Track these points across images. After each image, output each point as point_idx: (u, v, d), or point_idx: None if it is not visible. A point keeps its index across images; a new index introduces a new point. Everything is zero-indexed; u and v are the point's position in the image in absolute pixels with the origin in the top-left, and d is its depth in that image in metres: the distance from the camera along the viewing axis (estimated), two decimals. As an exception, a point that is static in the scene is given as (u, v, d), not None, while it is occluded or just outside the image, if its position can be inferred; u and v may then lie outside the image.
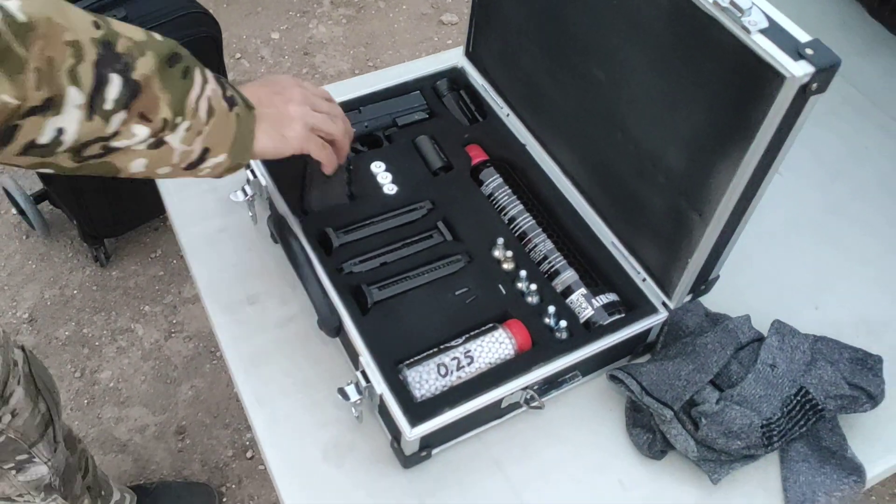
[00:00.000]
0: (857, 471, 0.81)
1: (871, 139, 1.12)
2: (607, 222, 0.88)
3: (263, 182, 0.91)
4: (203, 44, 1.60)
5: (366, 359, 0.77)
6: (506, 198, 0.92)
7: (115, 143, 0.59)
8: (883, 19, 1.24)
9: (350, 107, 0.98)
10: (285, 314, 0.90)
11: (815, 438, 0.82)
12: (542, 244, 0.88)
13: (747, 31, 0.63)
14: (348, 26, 2.43)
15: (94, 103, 0.56)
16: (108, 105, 0.57)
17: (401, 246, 0.88)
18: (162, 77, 0.60)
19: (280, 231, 0.86)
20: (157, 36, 0.62)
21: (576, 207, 0.91)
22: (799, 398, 0.81)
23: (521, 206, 0.91)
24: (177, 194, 1.00)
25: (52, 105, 0.54)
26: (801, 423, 0.80)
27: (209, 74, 0.66)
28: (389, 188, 0.92)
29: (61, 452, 1.12)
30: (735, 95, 0.67)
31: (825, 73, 0.62)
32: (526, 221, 0.90)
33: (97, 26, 0.56)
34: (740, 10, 0.64)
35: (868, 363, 0.84)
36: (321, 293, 0.81)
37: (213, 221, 0.98)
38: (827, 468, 0.81)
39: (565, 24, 0.84)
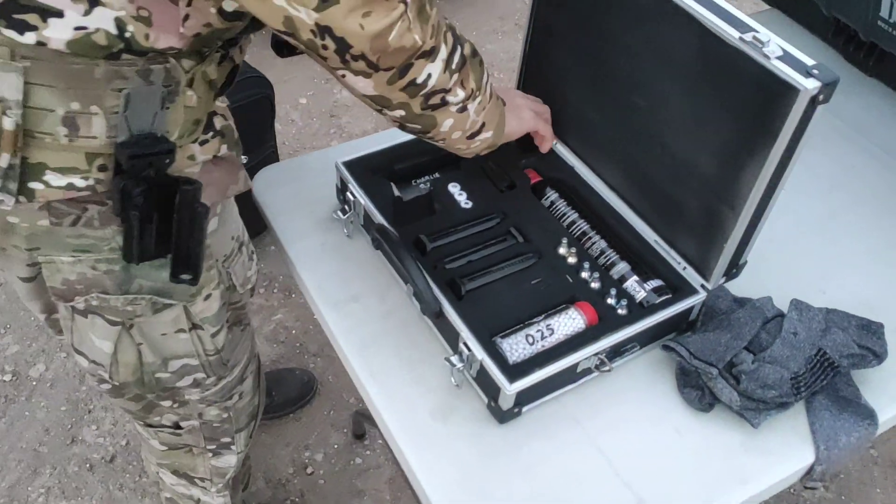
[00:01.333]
0: (870, 416, 0.98)
1: (858, 159, 1.33)
2: (650, 224, 1.07)
3: (363, 202, 1.09)
4: (261, 103, 1.80)
5: (465, 334, 0.94)
6: (563, 207, 1.11)
7: (447, 98, 0.87)
8: (858, 63, 1.46)
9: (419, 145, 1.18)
10: (385, 309, 1.07)
11: (834, 391, 1.00)
12: (598, 243, 1.07)
13: (767, 57, 0.84)
14: (369, 91, 2.65)
15: (448, 61, 0.84)
16: (453, 66, 0.85)
17: (483, 247, 1.06)
18: (472, 60, 0.90)
19: (384, 237, 1.04)
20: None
21: (622, 214, 1.10)
22: (818, 357, 0.99)
23: (576, 214, 1.10)
24: (282, 216, 1.18)
25: (432, 53, 0.81)
26: (822, 377, 0.98)
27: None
28: (466, 203, 1.12)
29: (245, 452, 1.27)
30: (758, 109, 0.87)
31: (829, 87, 0.82)
32: (583, 225, 1.09)
33: (447, 20, 0.86)
34: (761, 42, 0.84)
35: (872, 328, 1.02)
36: (425, 284, 0.98)
37: (315, 238, 1.16)
38: (845, 414, 0.98)
39: (608, 63, 1.05)
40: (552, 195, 1.13)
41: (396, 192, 1.10)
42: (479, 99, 0.92)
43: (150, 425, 1.20)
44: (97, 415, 1.83)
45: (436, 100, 0.87)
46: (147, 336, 0.98)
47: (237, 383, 1.17)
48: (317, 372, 1.89)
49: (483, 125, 0.96)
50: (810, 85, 0.81)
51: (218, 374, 1.09)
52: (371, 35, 0.74)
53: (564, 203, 1.12)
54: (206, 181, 0.90)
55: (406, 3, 0.74)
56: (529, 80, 1.22)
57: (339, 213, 1.13)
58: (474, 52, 0.92)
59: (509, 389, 0.90)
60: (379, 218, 1.06)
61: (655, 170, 1.04)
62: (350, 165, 1.13)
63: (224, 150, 0.92)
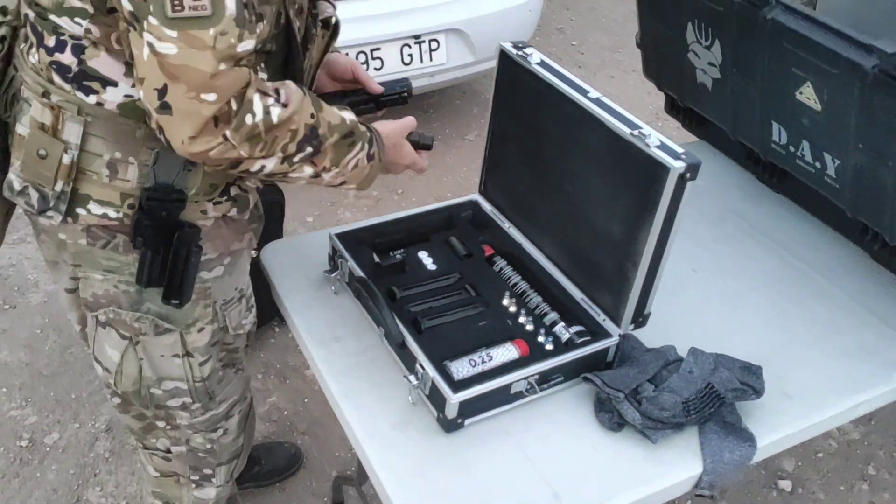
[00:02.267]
0: (750, 439, 1.20)
1: (760, 252, 1.61)
2: (576, 283, 1.33)
3: (348, 262, 1.36)
4: (273, 207, 2.11)
5: (421, 358, 1.18)
6: (509, 272, 1.38)
7: (290, 175, 1.05)
8: (766, 182, 1.77)
9: (395, 227, 1.47)
10: (360, 348, 1.31)
11: (721, 418, 1.22)
12: (535, 297, 1.33)
13: (649, 146, 1.13)
14: (369, 212, 2.98)
15: (288, 158, 1.02)
16: (295, 159, 1.03)
17: (441, 297, 1.32)
18: (335, 146, 1.06)
19: (363, 286, 1.30)
20: (347, 117, 1.09)
21: (555, 277, 1.36)
22: (707, 390, 1.22)
23: (519, 277, 1.37)
24: (282, 276, 1.44)
25: (263, 159, 1.00)
26: (710, 405, 1.21)
27: (367, 140, 1.12)
28: (431, 266, 1.38)
29: (227, 489, 1.47)
30: (645, 185, 1.15)
31: (693, 167, 1.11)
32: (524, 285, 1.35)
33: (312, 117, 1.03)
34: (645, 136, 1.14)
35: (753, 369, 1.26)
36: (392, 320, 1.23)
37: (307, 293, 1.41)
38: (730, 437, 1.20)
39: (546, 159, 1.35)
40: (501, 263, 1.40)
41: (376, 259, 1.38)
42: (334, 171, 1.08)
43: (147, 447, 1.42)
44: (102, 478, 2.00)
45: (278, 176, 1.05)
46: (148, 354, 1.22)
47: (223, 418, 1.39)
48: (303, 448, 2.08)
49: (344, 182, 1.13)
50: (679, 165, 1.10)
51: (202, 401, 1.31)
52: (189, 152, 0.95)
53: (511, 269, 1.39)
54: (214, 234, 1.18)
55: (226, 136, 0.93)
56: (489, 179, 1.52)
57: (329, 273, 1.40)
58: (346, 135, 1.07)
59: (453, 399, 1.13)
60: (360, 272, 1.33)
61: (581, 240, 1.31)
62: (340, 236, 1.41)
63: (234, 213, 1.19)
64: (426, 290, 1.34)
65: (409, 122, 1.26)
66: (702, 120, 1.86)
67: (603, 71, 3.67)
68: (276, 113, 0.97)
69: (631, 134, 1.15)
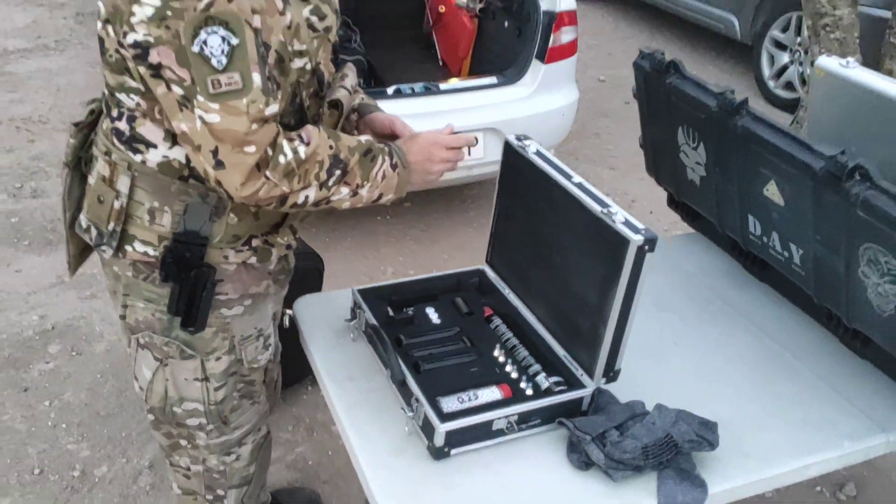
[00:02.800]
0: (702, 485, 1.36)
1: (738, 331, 1.78)
2: (559, 342, 1.53)
3: (365, 312, 1.59)
4: (311, 273, 2.37)
5: (417, 393, 1.39)
6: (503, 329, 1.59)
7: (332, 198, 1.31)
8: (750, 270, 1.96)
9: (410, 287, 1.70)
10: (369, 386, 1.52)
11: (677, 465, 1.38)
12: (522, 351, 1.53)
13: (615, 222, 1.35)
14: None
15: (323, 184, 1.28)
16: (330, 183, 1.29)
17: (441, 346, 1.53)
18: (360, 163, 1.31)
19: (376, 333, 1.52)
20: (363, 138, 1.35)
21: (542, 335, 1.56)
22: (666, 439, 1.39)
23: (511, 334, 1.57)
24: (310, 324, 1.68)
25: (303, 190, 1.26)
26: (668, 452, 1.37)
27: (387, 153, 1.36)
28: (436, 320, 1.60)
29: None
30: (612, 256, 1.36)
31: (651, 241, 1.31)
32: (514, 340, 1.56)
33: (331, 147, 1.29)
34: (613, 213, 1.36)
35: (709, 425, 1.42)
36: (396, 361, 1.45)
37: (330, 339, 1.64)
38: (685, 482, 1.36)
39: (541, 236, 1.58)
40: (497, 321, 1.61)
41: (390, 313, 1.60)
42: (368, 185, 1.33)
43: (172, 464, 1.64)
44: (141, 508, 2.22)
45: (322, 204, 1.31)
46: (173, 376, 1.47)
47: (236, 444, 1.61)
48: (324, 495, 2.26)
49: (381, 195, 1.36)
50: (638, 238, 1.31)
51: (216, 423, 1.54)
52: (243, 196, 1.22)
53: (505, 326, 1.59)
54: (235, 278, 1.43)
55: (267, 177, 1.21)
56: (495, 249, 1.74)
57: (349, 321, 1.63)
58: (366, 152, 1.32)
59: (441, 428, 1.33)
60: (373, 321, 1.56)
61: (564, 304, 1.52)
62: (362, 291, 1.64)
63: (254, 261, 1.43)
64: (428, 339, 1.55)
65: (437, 131, 1.49)
66: (696, 214, 2.07)
67: (632, 174, 3.91)
68: (302, 150, 1.25)
69: (601, 212, 1.37)
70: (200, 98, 1.16)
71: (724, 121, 1.68)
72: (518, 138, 1.61)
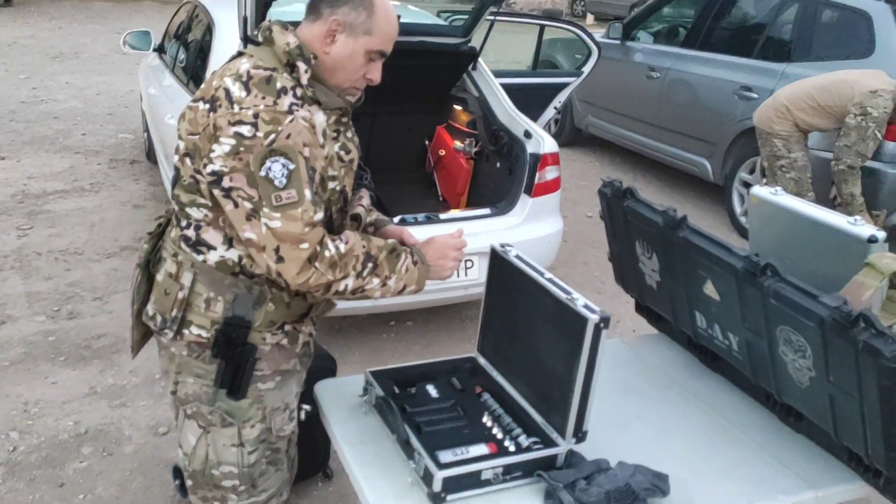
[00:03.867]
0: (656, 525, 1.64)
1: (691, 408, 2.08)
2: (536, 410, 1.84)
3: (375, 388, 1.91)
4: (325, 373, 2.68)
5: (418, 448, 1.69)
6: (491, 402, 1.90)
7: (366, 287, 1.66)
8: (705, 363, 2.28)
9: (413, 370, 2.02)
10: (377, 449, 1.82)
11: (635, 507, 1.66)
12: (507, 418, 1.84)
13: (577, 306, 1.70)
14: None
15: (359, 274, 1.64)
16: (364, 273, 1.65)
17: (438, 413, 1.84)
18: (387, 259, 1.68)
19: (385, 403, 1.83)
20: (389, 241, 1.72)
21: (522, 405, 1.87)
22: (626, 488, 1.67)
23: (497, 405, 1.89)
24: (328, 400, 1.99)
25: (343, 279, 1.62)
26: (627, 499, 1.66)
27: (409, 252, 1.73)
28: (435, 395, 1.92)
29: None
30: (574, 333, 1.70)
31: (606, 319, 1.66)
32: (500, 410, 1.87)
33: (364, 246, 1.66)
34: (574, 299, 1.71)
35: (661, 476, 1.71)
36: (401, 425, 1.75)
37: (345, 412, 1.95)
38: (640, 522, 1.64)
39: (521, 323, 1.92)
40: (486, 396, 1.93)
41: (396, 390, 1.93)
42: (394, 277, 1.69)
43: None
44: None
45: (358, 292, 1.65)
46: (214, 442, 1.78)
47: None
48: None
49: (405, 286, 1.72)
50: (595, 317, 1.66)
51: (246, 485, 1.82)
52: (298, 284, 1.58)
53: (493, 400, 1.91)
54: (269, 356, 1.76)
55: (316, 267, 1.56)
56: (485, 338, 2.08)
57: (361, 396, 1.95)
58: (391, 250, 1.68)
59: (438, 475, 1.63)
60: (382, 393, 1.88)
61: (539, 378, 1.84)
62: (373, 372, 1.97)
63: (285, 342, 1.78)
64: (428, 408, 1.86)
65: (448, 235, 1.85)
66: (658, 316, 2.42)
67: (618, 297, 4.26)
68: (342, 247, 1.62)
69: (566, 298, 1.73)
70: (266, 210, 1.54)
71: (669, 234, 2.07)
72: (502, 245, 1.99)
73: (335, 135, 1.74)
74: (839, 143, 4.39)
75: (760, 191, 2.27)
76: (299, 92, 1.62)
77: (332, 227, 1.75)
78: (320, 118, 1.68)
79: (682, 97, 6.10)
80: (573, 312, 1.70)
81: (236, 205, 1.57)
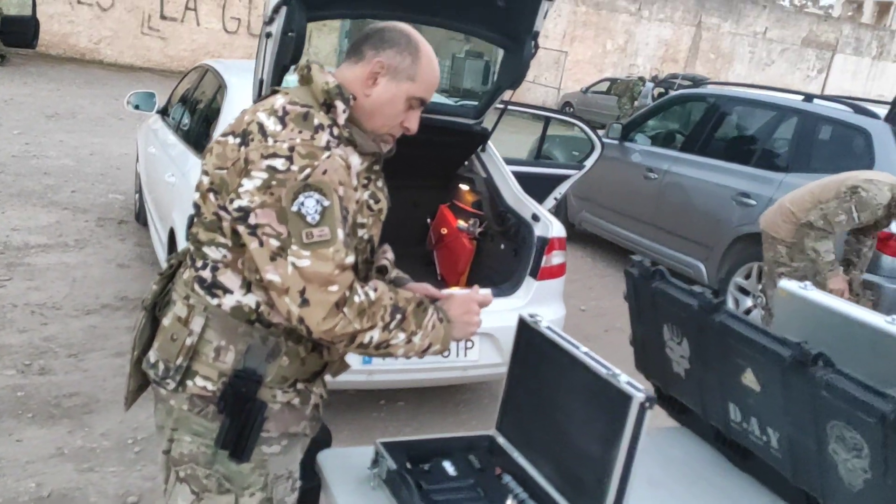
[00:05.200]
0: None
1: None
2: (563, 496, 1.68)
3: (388, 462, 1.74)
4: (321, 445, 2.49)
5: (438, 530, 1.53)
6: (514, 484, 1.74)
7: (391, 342, 1.52)
8: (732, 460, 2.14)
9: (426, 444, 1.87)
10: (389, 528, 1.65)
11: None
12: (530, 501, 1.68)
13: (619, 382, 1.57)
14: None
15: (386, 326, 1.50)
16: (391, 326, 1.51)
17: (458, 492, 1.68)
18: (414, 312, 1.54)
19: (400, 477, 1.67)
20: (417, 295, 1.59)
21: (548, 491, 1.72)
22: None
23: (521, 489, 1.73)
24: (332, 472, 1.82)
25: (370, 329, 1.49)
26: None
27: (435, 309, 1.60)
28: (452, 472, 1.76)
29: None
30: (615, 412, 1.57)
31: (651, 399, 1.53)
32: (523, 494, 1.71)
33: (391, 298, 1.53)
34: (616, 374, 1.59)
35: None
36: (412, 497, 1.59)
37: (351, 485, 1.78)
38: None
39: (550, 400, 1.79)
40: (508, 478, 1.77)
41: (408, 465, 1.77)
42: (420, 333, 1.54)
43: None
44: None
45: (382, 347, 1.51)
46: None
47: None
48: None
49: (430, 344, 1.57)
50: (640, 396, 1.53)
51: None
52: (322, 330, 1.44)
53: (514, 482, 1.75)
54: (278, 417, 1.61)
55: (344, 313, 1.43)
56: (506, 414, 1.94)
57: (371, 469, 1.78)
58: (419, 304, 1.56)
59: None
60: (394, 466, 1.71)
61: (569, 460, 1.70)
62: (385, 444, 1.81)
63: (297, 402, 1.63)
64: (446, 486, 1.70)
65: (466, 292, 1.72)
66: (682, 408, 2.29)
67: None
68: (371, 294, 1.50)
69: (606, 373, 1.60)
70: (294, 247, 1.42)
71: (703, 318, 1.96)
72: (531, 315, 1.87)
73: (366, 182, 1.65)
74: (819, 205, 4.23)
75: (789, 285, 2.19)
76: (335, 131, 1.54)
77: (358, 278, 1.64)
78: (356, 160, 1.59)
79: (679, 199, 6.14)
80: (615, 390, 1.58)
81: (261, 243, 1.45)
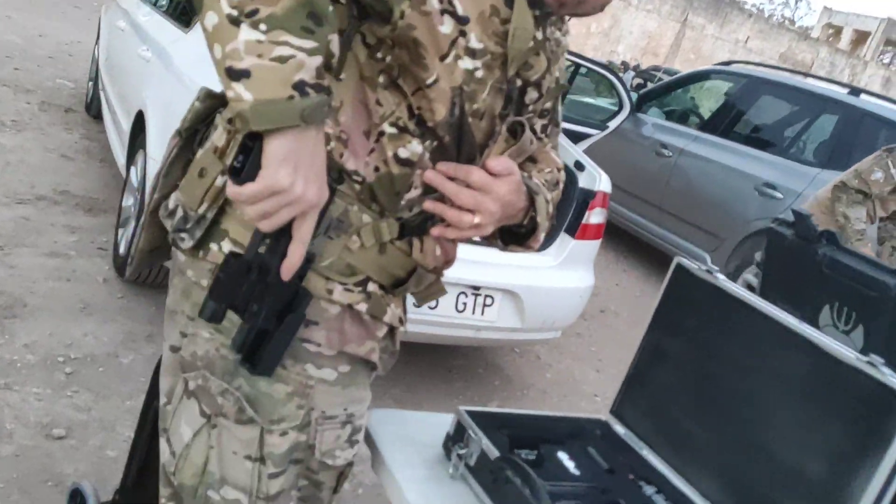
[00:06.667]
0: None
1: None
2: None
3: (482, 441, 1.16)
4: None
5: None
6: (658, 497, 1.18)
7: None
8: None
9: (527, 421, 1.29)
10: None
11: None
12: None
13: (884, 374, 1.02)
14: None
15: None
16: None
17: (589, 500, 1.11)
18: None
19: (511, 467, 1.09)
20: None
21: (716, 516, 1.16)
22: None
23: (673, 507, 1.17)
24: (391, 446, 1.23)
25: None
26: None
27: None
28: (574, 470, 1.19)
29: None
30: (871, 418, 1.02)
31: (933, 404, 0.99)
32: (683, 516, 1.15)
33: None
34: (873, 363, 1.03)
35: None
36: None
37: (420, 471, 1.19)
38: None
39: (717, 381, 1.23)
40: (651, 490, 1.21)
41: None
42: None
43: None
44: None
45: None
46: (221, 444, 1.02)
47: None
48: None
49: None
50: (920, 397, 0.99)
51: None
52: None
53: (659, 496, 1.19)
54: (334, 324, 1.01)
55: None
56: (626, 400, 1.37)
57: (454, 452, 1.19)
58: None
59: None
60: (496, 453, 1.13)
61: (757, 478, 1.14)
62: (472, 415, 1.22)
63: (364, 309, 1.02)
64: (570, 489, 1.13)
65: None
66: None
67: (619, 379, 3.66)
68: None
69: (857, 359, 1.05)
70: None
71: (909, 299, 1.44)
72: (695, 262, 1.30)
73: None
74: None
75: None
76: None
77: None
78: None
79: (693, 182, 5.64)
80: (873, 383, 1.02)
81: None
